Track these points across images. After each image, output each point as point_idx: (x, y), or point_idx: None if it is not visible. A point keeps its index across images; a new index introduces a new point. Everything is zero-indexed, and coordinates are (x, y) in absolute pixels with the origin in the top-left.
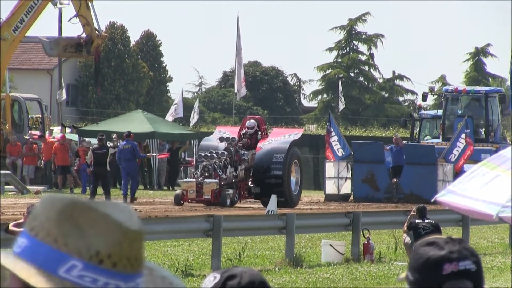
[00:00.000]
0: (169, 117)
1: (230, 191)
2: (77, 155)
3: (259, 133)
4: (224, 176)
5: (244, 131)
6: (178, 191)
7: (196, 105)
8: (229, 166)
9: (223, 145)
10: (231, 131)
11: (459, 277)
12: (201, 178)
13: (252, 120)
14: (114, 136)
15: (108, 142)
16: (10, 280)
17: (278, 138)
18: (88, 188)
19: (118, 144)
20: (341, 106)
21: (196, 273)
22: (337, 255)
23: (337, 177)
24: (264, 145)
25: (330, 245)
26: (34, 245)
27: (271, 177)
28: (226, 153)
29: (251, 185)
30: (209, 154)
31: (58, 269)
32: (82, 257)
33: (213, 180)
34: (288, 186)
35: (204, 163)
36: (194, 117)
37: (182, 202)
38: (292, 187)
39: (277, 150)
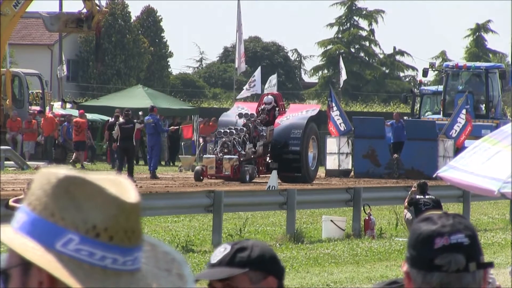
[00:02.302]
0: (244, 93)
1: (249, 166)
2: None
3: (277, 109)
4: (243, 152)
5: (262, 107)
6: (198, 167)
7: (275, 78)
8: (248, 142)
9: (241, 121)
10: (249, 107)
11: (450, 250)
12: (221, 154)
13: (269, 96)
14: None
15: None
16: (8, 255)
17: (296, 114)
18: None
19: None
20: (342, 78)
21: (197, 248)
22: (338, 230)
23: (338, 153)
24: (282, 121)
25: (331, 220)
26: (32, 219)
27: (289, 153)
28: (245, 129)
29: (269, 161)
30: (228, 131)
31: (55, 243)
32: (79, 231)
33: (233, 156)
34: (305, 162)
35: (224, 139)
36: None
37: (202, 178)
38: (309, 162)
39: (295, 126)
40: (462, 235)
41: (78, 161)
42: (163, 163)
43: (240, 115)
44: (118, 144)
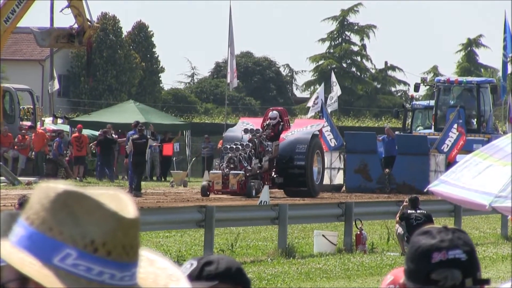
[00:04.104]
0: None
1: (255, 181)
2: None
3: (282, 124)
4: (249, 168)
5: (267, 122)
6: (205, 182)
7: (336, 95)
8: (253, 158)
9: (247, 136)
10: (254, 122)
11: (448, 266)
12: (227, 169)
13: (274, 112)
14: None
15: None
16: (6, 269)
17: (301, 129)
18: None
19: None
20: (336, 94)
21: None
22: (329, 245)
23: (329, 168)
24: (287, 136)
25: (323, 235)
26: (30, 234)
27: (294, 167)
28: (250, 144)
29: (275, 175)
30: (234, 146)
31: (52, 258)
32: (77, 246)
33: (239, 172)
34: (310, 176)
35: (230, 154)
36: (331, 106)
37: (208, 193)
38: (314, 176)
39: (299, 141)
40: (460, 250)
41: (71, 176)
42: (154, 178)
43: (246, 131)
44: (130, 159)
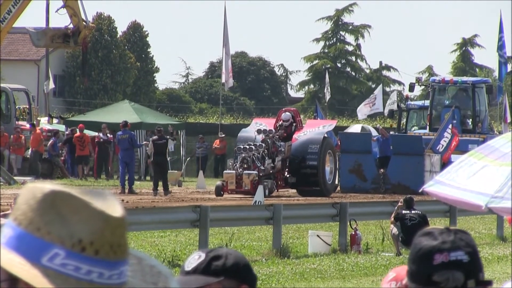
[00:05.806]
0: (365, 110)
1: (268, 181)
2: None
3: (294, 124)
4: (262, 168)
5: (280, 123)
6: (219, 182)
7: (395, 95)
8: (266, 158)
9: (260, 137)
10: (267, 123)
11: (449, 267)
12: (241, 169)
13: (287, 113)
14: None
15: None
16: None
17: (313, 129)
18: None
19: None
20: (327, 96)
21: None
22: (324, 245)
23: None
24: (300, 136)
25: (317, 235)
26: (17, 234)
27: (306, 167)
28: (264, 145)
29: (288, 175)
30: (247, 147)
31: (41, 258)
32: (65, 245)
33: (253, 172)
34: (322, 176)
35: (243, 155)
36: (391, 106)
37: (222, 193)
38: (326, 176)
39: (312, 141)
40: (462, 252)
41: (67, 176)
42: (148, 178)
43: (259, 131)
44: (152, 159)
